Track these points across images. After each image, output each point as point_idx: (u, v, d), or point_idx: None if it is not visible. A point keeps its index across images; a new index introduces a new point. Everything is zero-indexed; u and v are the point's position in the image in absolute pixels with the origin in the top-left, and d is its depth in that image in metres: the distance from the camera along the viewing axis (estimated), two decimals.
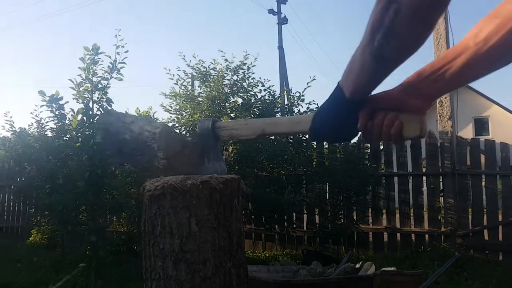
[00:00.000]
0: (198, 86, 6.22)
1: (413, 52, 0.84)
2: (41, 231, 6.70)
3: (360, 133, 1.03)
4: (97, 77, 4.28)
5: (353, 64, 0.90)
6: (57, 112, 4.51)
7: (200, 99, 5.84)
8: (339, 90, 0.97)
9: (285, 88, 7.17)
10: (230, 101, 5.88)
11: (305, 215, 6.17)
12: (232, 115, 5.61)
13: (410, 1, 0.74)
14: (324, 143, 5.96)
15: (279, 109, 5.85)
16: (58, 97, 4.43)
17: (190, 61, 6.01)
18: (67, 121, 4.56)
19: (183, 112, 5.88)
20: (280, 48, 18.74)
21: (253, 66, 5.87)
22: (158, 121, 5.12)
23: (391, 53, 0.82)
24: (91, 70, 4.24)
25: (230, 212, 1.54)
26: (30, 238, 6.96)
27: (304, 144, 5.65)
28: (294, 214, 6.10)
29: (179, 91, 5.98)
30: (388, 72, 0.88)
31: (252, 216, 5.27)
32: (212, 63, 5.98)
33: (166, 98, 6.04)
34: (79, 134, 4.38)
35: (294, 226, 6.09)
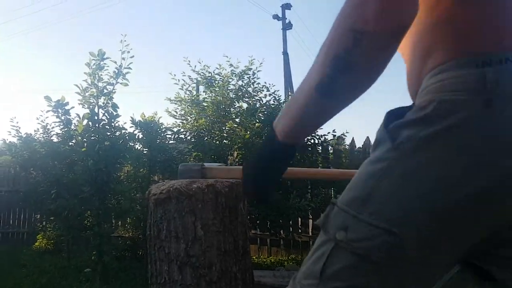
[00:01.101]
0: (203, 91, 6.23)
1: (368, 87, 0.77)
2: (47, 236, 6.71)
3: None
4: (102, 83, 4.30)
5: (293, 102, 0.83)
6: (63, 118, 4.53)
7: (205, 104, 5.85)
8: (271, 132, 0.88)
9: (290, 93, 7.17)
10: (235, 106, 5.88)
11: (310, 220, 6.14)
12: (237, 120, 5.62)
13: (375, 28, 0.67)
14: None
15: None
16: (64, 102, 4.46)
17: (195, 66, 6.05)
18: (72, 127, 4.57)
19: (188, 117, 5.90)
20: (285, 53, 18.76)
21: (258, 71, 5.90)
22: (163, 126, 5.13)
23: (344, 88, 0.75)
24: (96, 76, 4.26)
25: (236, 216, 1.53)
26: (36, 243, 6.97)
27: (309, 149, 5.64)
28: (300, 219, 6.07)
29: (184, 96, 6.00)
30: (336, 111, 0.80)
31: (257, 221, 5.26)
32: (217, 68, 6.01)
33: (171, 103, 6.07)
34: (85, 139, 4.40)
35: (300, 231, 6.06)
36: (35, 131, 5.53)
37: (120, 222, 5.97)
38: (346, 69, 0.71)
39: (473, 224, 0.73)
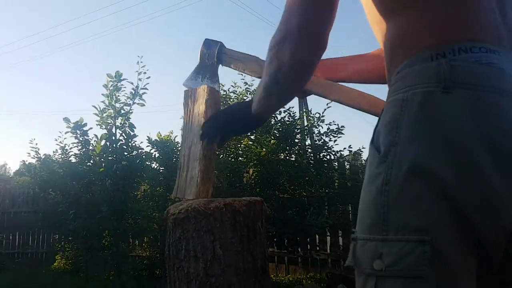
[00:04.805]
0: None
1: (294, 95, 1.14)
2: (65, 256, 6.74)
3: None
4: (119, 103, 4.37)
5: (257, 89, 1.11)
6: (81, 138, 4.60)
7: None
8: (250, 104, 1.18)
9: (304, 109, 7.18)
10: None
11: (328, 237, 6.06)
12: (252, 137, 5.63)
13: (290, 61, 0.92)
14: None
15: (299, 130, 5.85)
16: (82, 123, 4.54)
17: None
18: (90, 147, 4.64)
19: None
20: None
21: None
22: (179, 145, 5.16)
23: (276, 94, 1.04)
24: (114, 97, 4.33)
25: (254, 235, 1.52)
26: (55, 264, 7.01)
27: (326, 165, 5.61)
28: (317, 237, 6.01)
29: None
30: (277, 107, 1.23)
31: (274, 239, 5.21)
32: (232, 86, 6.05)
33: None
34: (103, 160, 4.45)
35: (318, 248, 5.99)
36: (53, 152, 5.62)
37: (137, 242, 5.98)
38: (275, 82, 0.99)
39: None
